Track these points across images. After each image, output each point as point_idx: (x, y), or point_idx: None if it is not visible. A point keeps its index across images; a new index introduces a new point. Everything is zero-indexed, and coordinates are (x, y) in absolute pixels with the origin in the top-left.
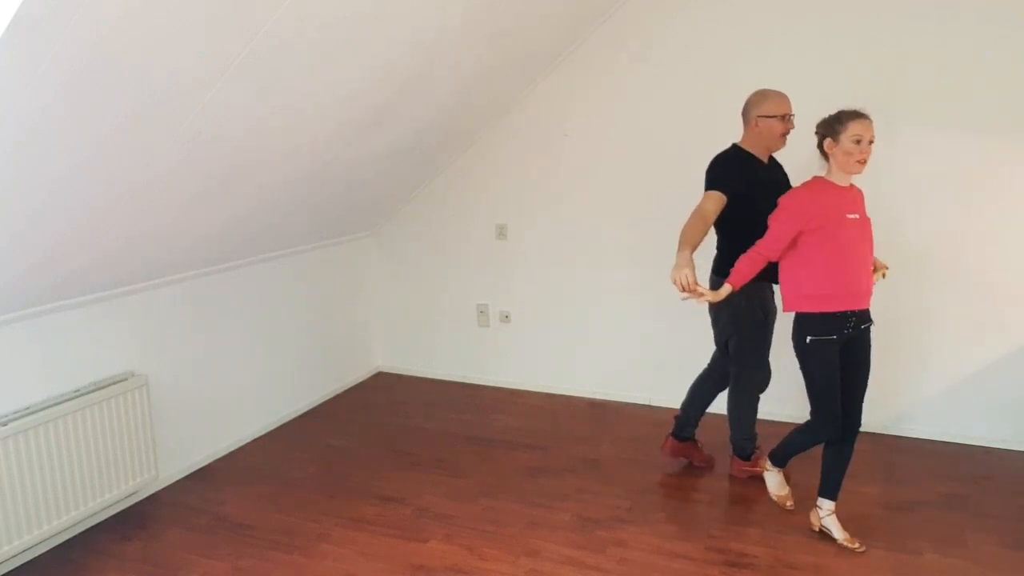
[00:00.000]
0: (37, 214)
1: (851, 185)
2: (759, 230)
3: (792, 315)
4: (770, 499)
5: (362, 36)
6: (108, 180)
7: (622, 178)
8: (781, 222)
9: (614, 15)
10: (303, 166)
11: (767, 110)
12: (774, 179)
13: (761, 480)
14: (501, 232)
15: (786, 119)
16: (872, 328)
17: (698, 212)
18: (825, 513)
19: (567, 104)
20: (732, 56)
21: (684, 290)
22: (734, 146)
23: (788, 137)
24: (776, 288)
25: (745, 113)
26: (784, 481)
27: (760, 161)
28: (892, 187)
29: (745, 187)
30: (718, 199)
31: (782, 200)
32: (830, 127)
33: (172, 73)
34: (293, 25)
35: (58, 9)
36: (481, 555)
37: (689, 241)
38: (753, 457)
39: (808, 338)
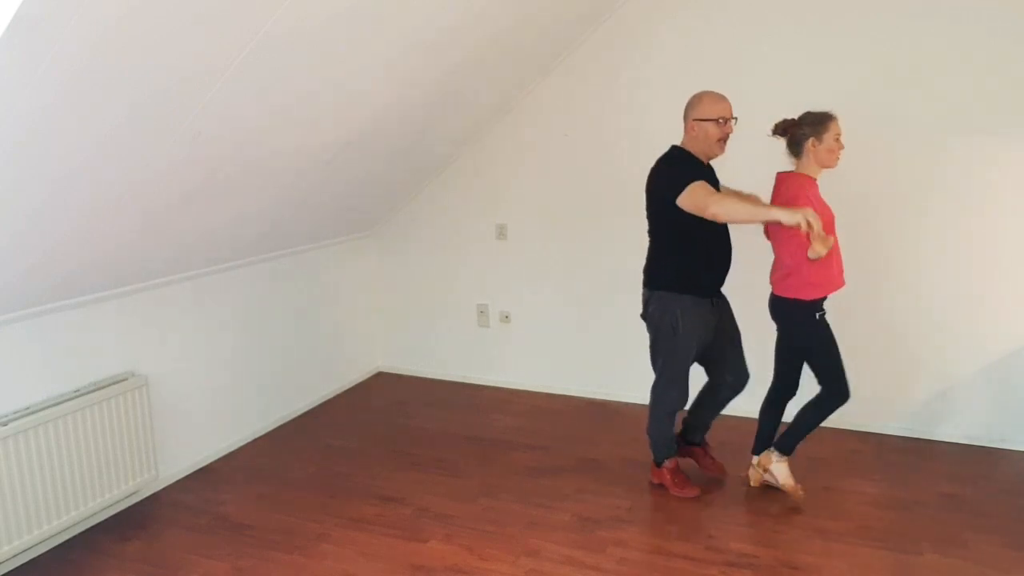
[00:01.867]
0: (37, 214)
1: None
2: (697, 240)
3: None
4: (770, 498)
5: (362, 36)
6: (108, 180)
7: (622, 178)
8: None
9: (614, 15)
10: (303, 166)
11: (702, 112)
12: (713, 184)
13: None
14: (501, 232)
15: (722, 123)
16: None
17: (714, 196)
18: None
19: (567, 104)
20: (733, 57)
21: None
22: (675, 147)
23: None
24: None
25: (684, 116)
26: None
27: (701, 162)
28: (893, 185)
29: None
30: (705, 184)
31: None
32: (813, 128)
33: (172, 73)
34: (293, 25)
35: (58, 9)
36: (481, 555)
37: (750, 200)
38: (665, 464)
39: (817, 314)
